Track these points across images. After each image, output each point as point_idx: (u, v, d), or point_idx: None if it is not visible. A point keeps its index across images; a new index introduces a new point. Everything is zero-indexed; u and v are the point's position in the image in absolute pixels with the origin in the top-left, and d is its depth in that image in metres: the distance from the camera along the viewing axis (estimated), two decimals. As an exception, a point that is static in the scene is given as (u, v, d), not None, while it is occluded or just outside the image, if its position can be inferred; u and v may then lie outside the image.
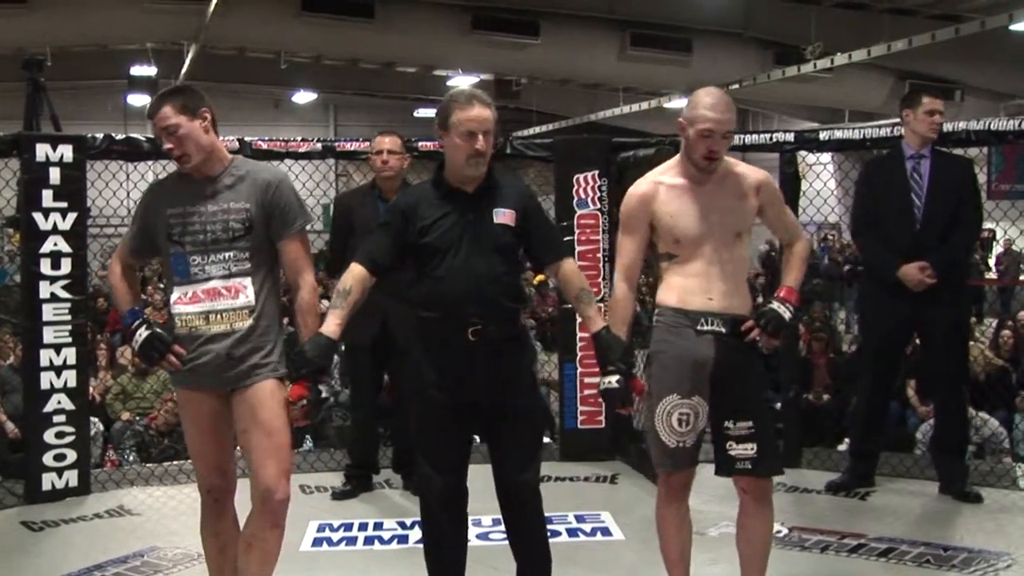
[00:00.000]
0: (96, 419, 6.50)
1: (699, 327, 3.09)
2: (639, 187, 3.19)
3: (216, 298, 3.01)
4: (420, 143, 5.58)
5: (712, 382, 3.09)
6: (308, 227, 3.18)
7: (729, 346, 3.10)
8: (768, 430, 3.17)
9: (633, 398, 3.09)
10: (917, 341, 5.07)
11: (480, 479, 3.20)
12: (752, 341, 3.13)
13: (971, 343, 7.02)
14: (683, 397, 3.07)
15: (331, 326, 3.00)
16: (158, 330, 3.06)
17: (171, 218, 3.04)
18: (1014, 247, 14.45)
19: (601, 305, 5.45)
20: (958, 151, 4.97)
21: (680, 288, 3.13)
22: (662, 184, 3.16)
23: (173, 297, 3.06)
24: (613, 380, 3.07)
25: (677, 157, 3.21)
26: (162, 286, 2.95)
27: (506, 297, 3.08)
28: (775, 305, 3.17)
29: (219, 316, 3.01)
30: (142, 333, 3.05)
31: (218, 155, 3.08)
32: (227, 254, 3.02)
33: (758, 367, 3.27)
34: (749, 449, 3.09)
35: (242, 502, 3.18)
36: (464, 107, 3.03)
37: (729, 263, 3.12)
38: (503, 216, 3.10)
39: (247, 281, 3.03)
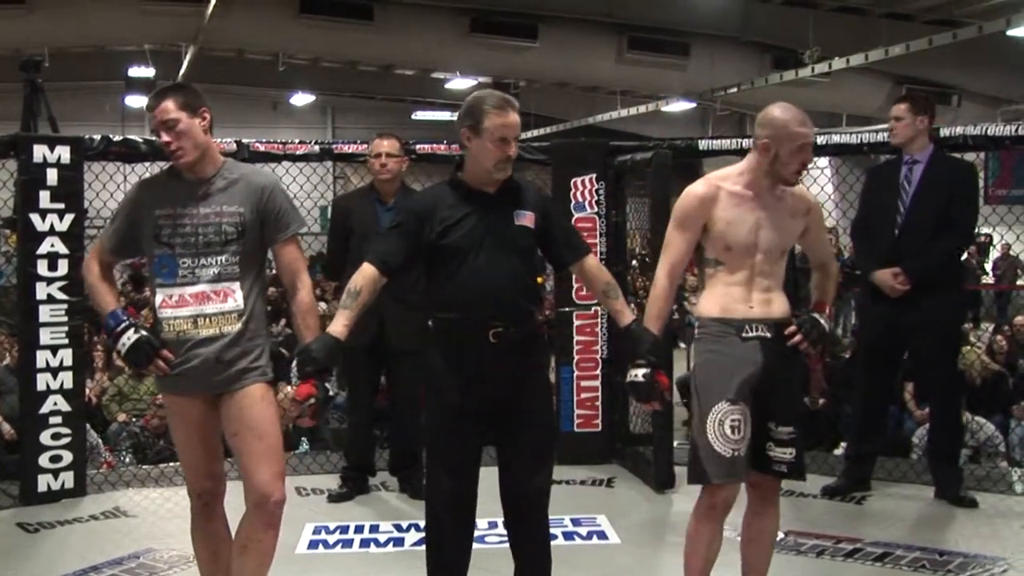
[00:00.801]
0: (92, 431, 6.48)
1: (744, 334, 3.10)
2: (699, 187, 3.19)
3: (205, 302, 3.00)
4: (418, 146, 5.59)
5: (757, 386, 3.10)
6: (304, 230, 3.18)
7: (774, 351, 3.12)
8: (803, 437, 3.21)
9: (658, 392, 3.09)
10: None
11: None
12: (795, 346, 3.16)
13: (969, 347, 7.06)
14: (733, 404, 3.06)
15: (339, 326, 2.98)
16: (145, 333, 3.02)
17: (160, 219, 3.02)
18: (1011, 252, 14.46)
19: (598, 308, 5.50)
20: (955, 156, 4.97)
21: (722, 296, 3.14)
22: (723, 189, 3.16)
23: (158, 300, 3.03)
24: (640, 373, 3.07)
25: (741, 165, 3.21)
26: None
27: (525, 298, 3.09)
28: (816, 315, 3.24)
29: (208, 320, 3.00)
30: (130, 336, 3.01)
31: (211, 156, 3.07)
32: (219, 258, 3.00)
33: (800, 372, 3.30)
34: (788, 454, 3.14)
35: (233, 505, 3.17)
36: (499, 113, 3.02)
37: (771, 276, 3.16)
38: (524, 218, 3.10)
39: (236, 285, 3.02)
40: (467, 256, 3.03)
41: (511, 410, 3.08)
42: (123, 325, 3.03)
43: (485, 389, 3.05)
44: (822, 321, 3.22)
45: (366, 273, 3.07)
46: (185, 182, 3.05)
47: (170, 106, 2.99)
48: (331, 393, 3.01)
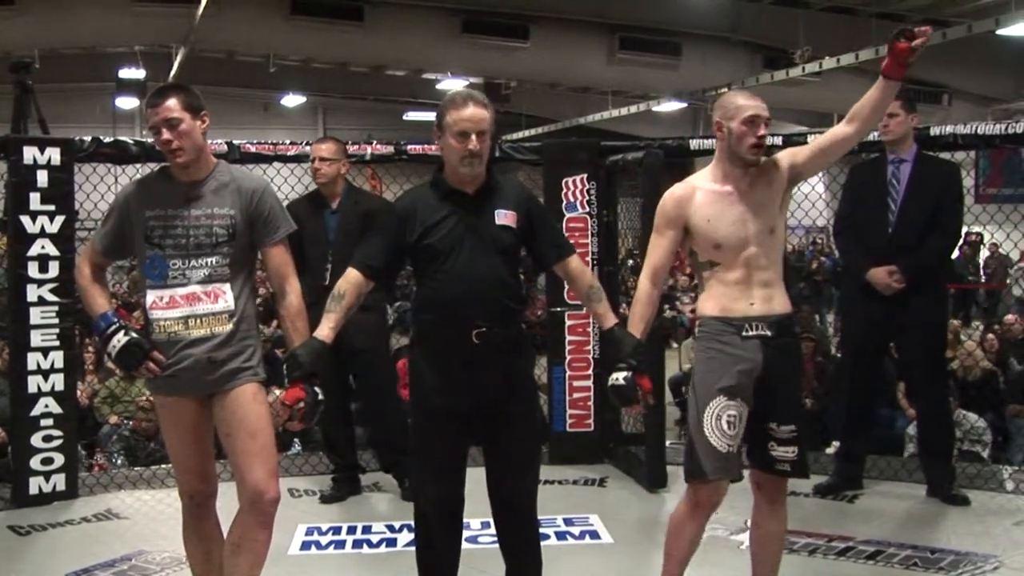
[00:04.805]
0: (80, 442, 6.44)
1: (744, 333, 3.09)
2: (676, 190, 3.20)
3: (195, 303, 2.99)
4: (410, 146, 5.59)
5: (757, 385, 3.09)
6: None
7: (775, 349, 3.10)
8: (805, 435, 3.21)
9: (639, 396, 3.08)
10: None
11: (468, 482, 3.18)
12: (796, 345, 3.15)
13: (964, 344, 7.09)
14: (730, 399, 3.06)
15: (325, 330, 3.00)
16: (135, 335, 3.02)
17: (151, 220, 3.01)
18: (1000, 250, 14.52)
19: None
20: (945, 155, 4.98)
21: (721, 296, 3.12)
22: (699, 188, 3.16)
23: (148, 301, 3.02)
24: (621, 377, 3.06)
25: (711, 164, 3.21)
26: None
27: (509, 298, 3.06)
28: None
29: (199, 321, 2.99)
30: (120, 339, 2.99)
31: (205, 159, 3.07)
32: (209, 259, 3.00)
33: (800, 370, 3.28)
34: (791, 452, 3.13)
35: (225, 506, 3.17)
36: (459, 107, 3.00)
37: (768, 268, 3.12)
38: (505, 217, 3.07)
39: (226, 287, 3.02)
40: (447, 257, 3.02)
41: (496, 411, 3.07)
42: (113, 327, 3.02)
43: (469, 391, 3.03)
44: None
45: (350, 277, 3.07)
46: (177, 184, 3.05)
47: (174, 104, 2.98)
48: (320, 397, 3.02)
